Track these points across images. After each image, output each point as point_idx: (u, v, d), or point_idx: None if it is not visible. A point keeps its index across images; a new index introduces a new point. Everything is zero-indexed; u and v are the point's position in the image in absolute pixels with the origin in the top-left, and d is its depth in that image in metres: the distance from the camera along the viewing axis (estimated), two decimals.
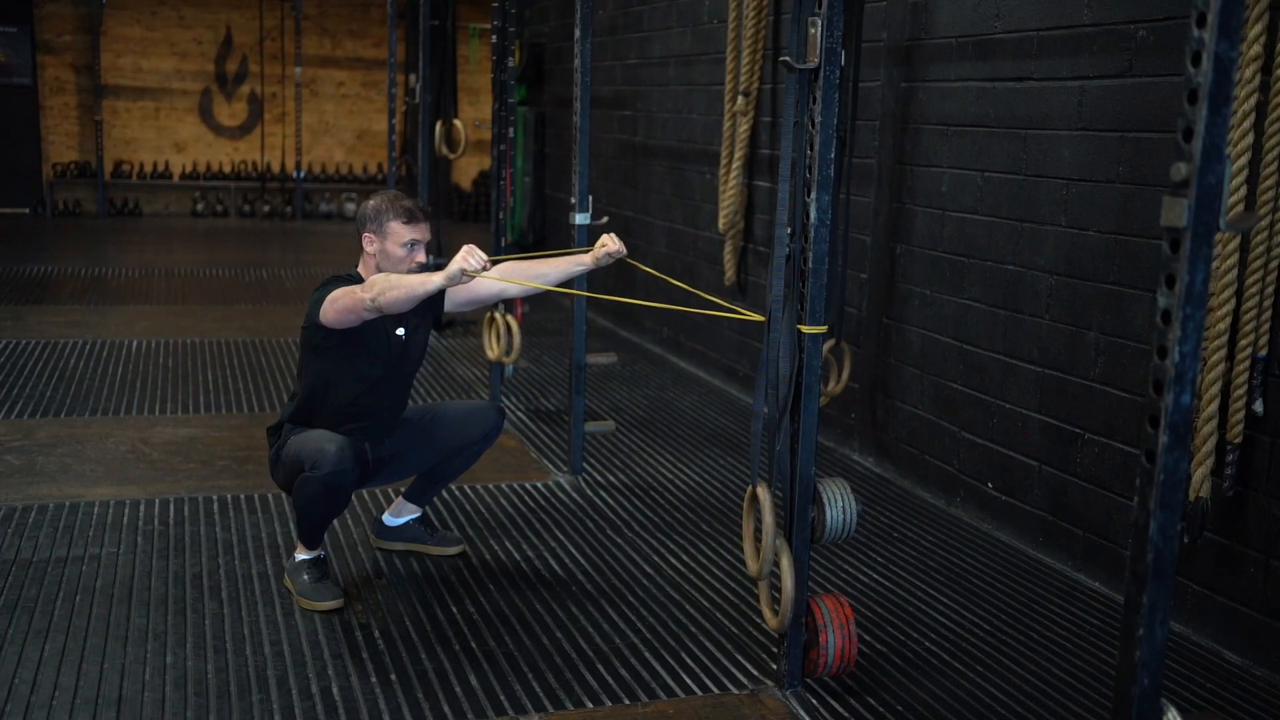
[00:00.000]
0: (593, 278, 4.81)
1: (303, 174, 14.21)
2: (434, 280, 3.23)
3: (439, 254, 7.06)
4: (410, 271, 3.60)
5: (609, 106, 8.34)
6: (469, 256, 3.18)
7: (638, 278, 7.83)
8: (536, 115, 10.06)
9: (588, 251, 3.82)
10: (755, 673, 3.27)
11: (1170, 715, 1.92)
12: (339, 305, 3.43)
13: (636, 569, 3.99)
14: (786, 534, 3.10)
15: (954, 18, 4.66)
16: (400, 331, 3.68)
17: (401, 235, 3.58)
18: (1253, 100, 3.26)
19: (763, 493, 3.17)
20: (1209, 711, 3.17)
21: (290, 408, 3.70)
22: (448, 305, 3.81)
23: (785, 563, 3.10)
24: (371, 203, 3.63)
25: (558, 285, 3.86)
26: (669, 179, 7.43)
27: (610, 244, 3.71)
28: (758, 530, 3.25)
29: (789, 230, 3.07)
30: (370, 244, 3.61)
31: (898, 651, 3.44)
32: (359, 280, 3.61)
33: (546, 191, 10.00)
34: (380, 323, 3.61)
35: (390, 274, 3.41)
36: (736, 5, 6.07)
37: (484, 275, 3.39)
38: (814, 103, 2.92)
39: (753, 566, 3.25)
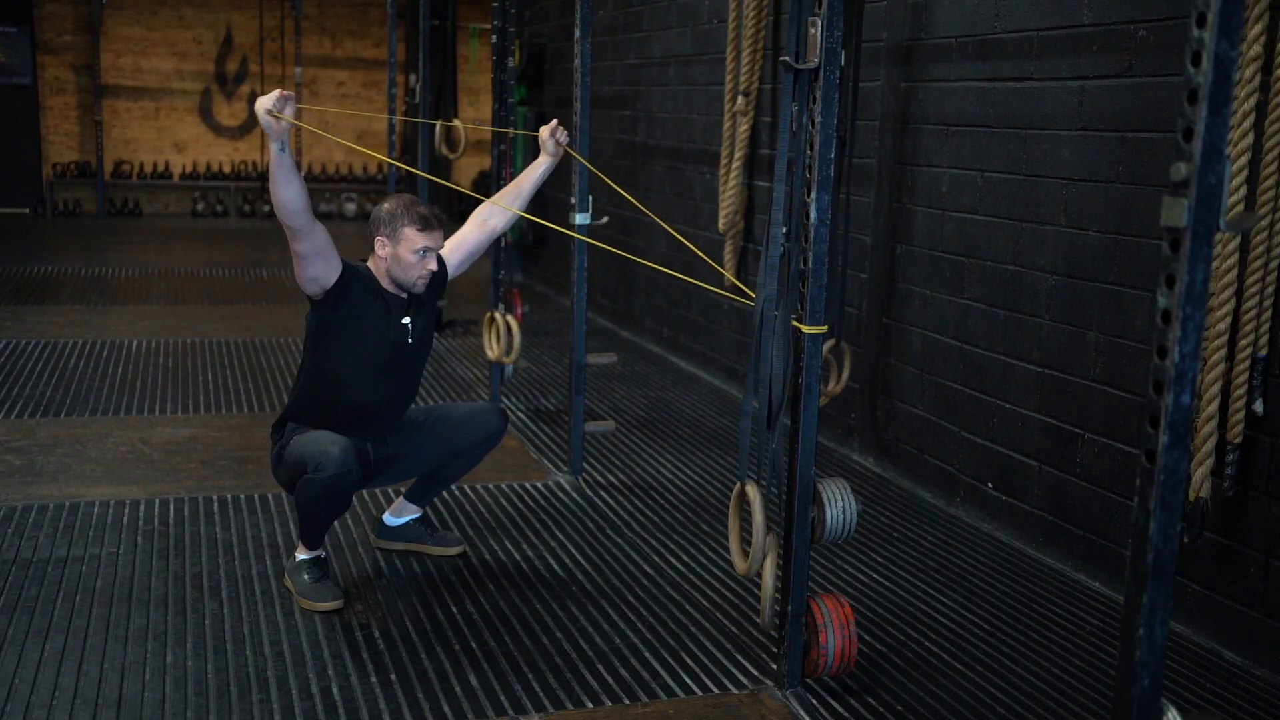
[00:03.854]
0: (592, 277, 4.83)
1: (302, 174, 14.19)
2: (272, 147, 3.22)
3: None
4: (419, 279, 3.61)
5: (609, 106, 8.34)
6: (263, 103, 3.15)
7: (638, 274, 7.83)
8: (536, 115, 10.05)
9: (538, 156, 4.09)
10: (755, 673, 3.27)
11: (1170, 715, 1.92)
12: (296, 260, 3.44)
13: (636, 569, 3.99)
14: (786, 534, 3.10)
15: (954, 18, 4.66)
16: (406, 320, 3.68)
17: (415, 242, 3.57)
18: (1253, 100, 3.26)
19: (752, 490, 3.17)
20: (1209, 711, 3.17)
21: (292, 403, 3.69)
22: (454, 268, 3.86)
23: (769, 563, 3.12)
24: (386, 206, 3.61)
25: (531, 197, 4.07)
26: (669, 179, 7.42)
27: (545, 132, 4.00)
28: (744, 529, 3.25)
29: (784, 230, 3.08)
30: (383, 247, 3.60)
31: (898, 651, 3.44)
32: (364, 270, 3.64)
33: (546, 191, 9.99)
34: (384, 310, 3.61)
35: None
36: (736, 5, 6.07)
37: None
38: (814, 103, 2.92)
39: (740, 565, 3.27)
